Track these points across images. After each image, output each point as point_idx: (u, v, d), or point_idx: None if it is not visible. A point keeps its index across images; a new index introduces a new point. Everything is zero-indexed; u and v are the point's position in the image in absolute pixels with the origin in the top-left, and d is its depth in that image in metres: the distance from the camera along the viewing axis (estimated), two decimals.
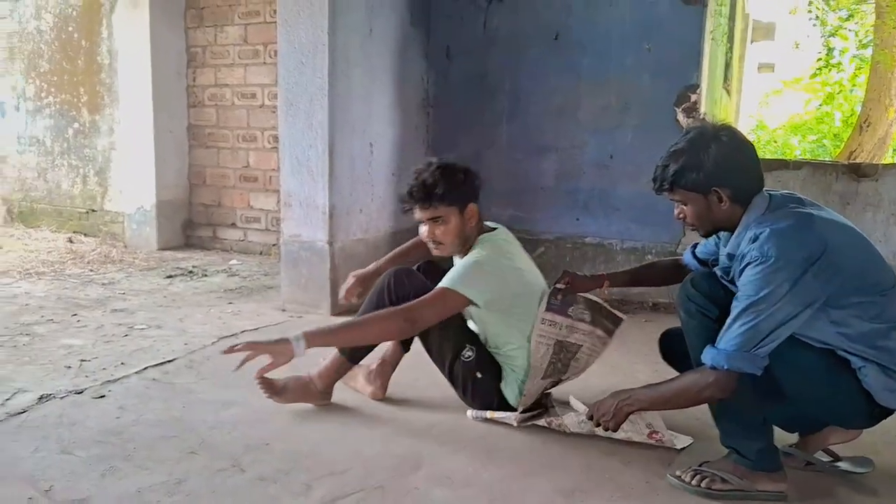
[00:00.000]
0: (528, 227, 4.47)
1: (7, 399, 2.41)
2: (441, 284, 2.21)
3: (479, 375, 2.34)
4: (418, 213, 2.31)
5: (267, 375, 2.20)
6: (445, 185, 2.24)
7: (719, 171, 1.82)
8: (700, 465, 1.96)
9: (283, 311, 3.74)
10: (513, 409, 2.34)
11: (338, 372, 2.44)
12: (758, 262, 1.74)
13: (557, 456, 2.14)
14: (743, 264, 1.80)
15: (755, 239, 1.78)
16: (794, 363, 1.82)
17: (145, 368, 2.78)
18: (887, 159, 8.39)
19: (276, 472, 1.97)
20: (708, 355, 1.79)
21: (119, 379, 2.65)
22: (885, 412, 1.87)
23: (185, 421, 2.31)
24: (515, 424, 2.30)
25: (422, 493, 1.89)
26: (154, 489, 1.85)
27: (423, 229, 2.35)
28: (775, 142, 16.60)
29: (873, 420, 1.90)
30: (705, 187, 1.84)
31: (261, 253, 5.40)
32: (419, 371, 2.57)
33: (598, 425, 2.05)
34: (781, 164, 3.99)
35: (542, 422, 2.31)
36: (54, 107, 6.04)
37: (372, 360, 2.51)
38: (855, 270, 1.77)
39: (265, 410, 2.40)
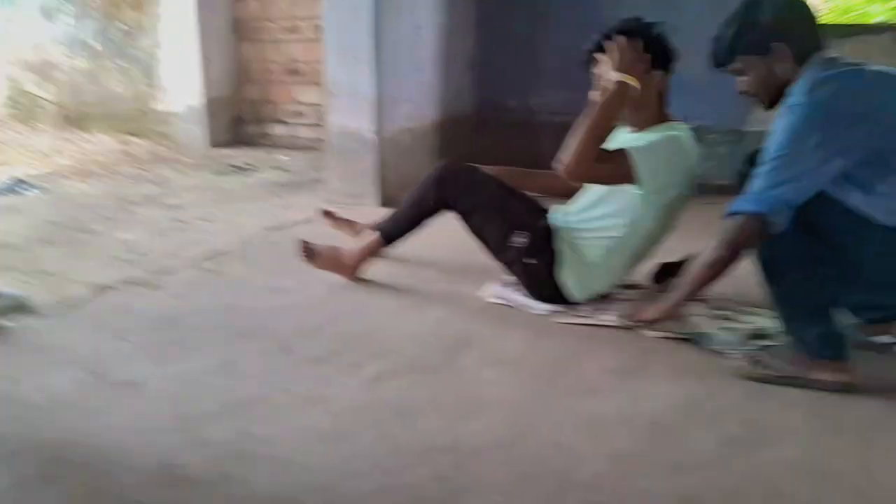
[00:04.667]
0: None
1: (65, 292, 2.45)
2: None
3: (526, 261, 2.23)
4: None
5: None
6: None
7: (776, 26, 1.74)
8: (760, 350, 1.88)
9: (331, 203, 3.70)
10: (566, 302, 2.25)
11: (371, 251, 2.46)
12: (790, 109, 1.68)
13: (609, 339, 2.08)
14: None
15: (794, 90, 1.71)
16: (864, 238, 1.70)
17: (199, 260, 2.79)
18: None
19: (326, 353, 1.97)
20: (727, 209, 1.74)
21: (173, 270, 2.68)
22: None
23: (237, 308, 2.32)
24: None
25: (472, 373, 1.87)
26: (206, 371, 1.87)
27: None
28: (853, 10, 15.42)
29: None
30: (764, 46, 1.75)
31: (308, 148, 5.35)
32: (472, 256, 2.48)
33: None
34: (861, 30, 3.66)
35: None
36: (98, 8, 5.95)
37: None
38: None
39: (316, 297, 2.40)
